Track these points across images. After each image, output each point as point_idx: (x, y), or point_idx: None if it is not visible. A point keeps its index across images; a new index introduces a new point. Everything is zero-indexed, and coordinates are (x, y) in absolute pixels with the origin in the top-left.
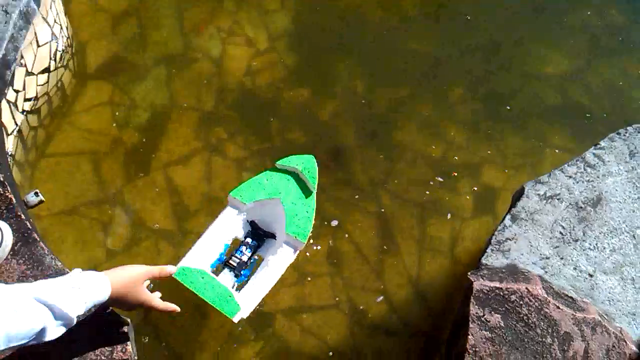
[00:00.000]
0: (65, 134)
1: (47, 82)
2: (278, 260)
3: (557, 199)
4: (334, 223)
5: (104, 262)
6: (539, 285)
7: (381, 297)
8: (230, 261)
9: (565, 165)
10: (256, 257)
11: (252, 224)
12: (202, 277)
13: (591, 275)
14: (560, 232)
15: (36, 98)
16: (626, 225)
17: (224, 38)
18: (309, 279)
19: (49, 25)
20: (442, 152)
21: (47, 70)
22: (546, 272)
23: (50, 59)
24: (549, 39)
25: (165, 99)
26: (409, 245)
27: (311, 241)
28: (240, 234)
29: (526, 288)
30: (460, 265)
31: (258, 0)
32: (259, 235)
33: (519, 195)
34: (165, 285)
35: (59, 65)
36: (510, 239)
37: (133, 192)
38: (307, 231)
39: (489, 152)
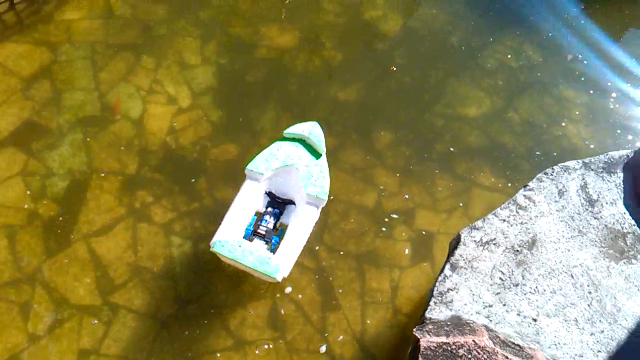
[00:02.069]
0: None
1: None
2: (304, 220)
3: (494, 244)
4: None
5: (26, 349)
6: (485, 335)
7: (325, 354)
8: (259, 230)
9: (498, 209)
10: (279, 225)
11: (270, 194)
12: (240, 246)
13: (535, 320)
14: (500, 278)
15: None
16: (563, 265)
17: (144, 97)
18: (256, 351)
19: None
20: (375, 200)
21: None
22: (491, 320)
23: None
24: (468, 78)
25: (84, 165)
26: (351, 299)
27: (250, 311)
28: (261, 206)
29: (473, 340)
30: (402, 316)
31: (178, 55)
32: (278, 204)
33: (455, 242)
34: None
35: None
36: (451, 289)
37: (53, 268)
38: (326, 188)
39: (420, 196)
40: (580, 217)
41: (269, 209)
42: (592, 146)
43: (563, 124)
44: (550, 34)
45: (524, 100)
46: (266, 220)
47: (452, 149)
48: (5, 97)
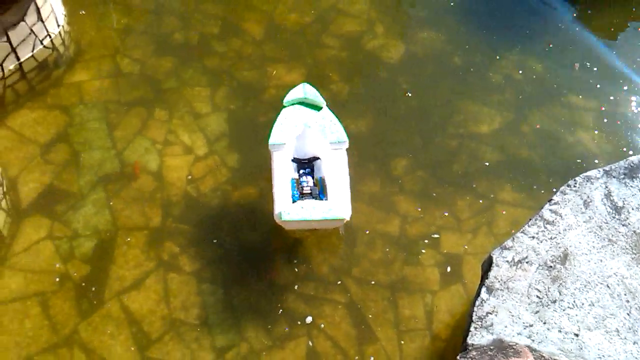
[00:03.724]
0: (7, 279)
1: None
2: (338, 163)
3: (527, 262)
4: (309, 320)
5: None
6: (530, 356)
7: None
8: (304, 191)
9: (526, 226)
10: (316, 181)
11: (295, 160)
12: (302, 207)
13: (577, 335)
14: (537, 296)
15: None
16: (598, 277)
17: (160, 149)
18: None
19: None
20: (399, 226)
21: None
22: (533, 340)
23: None
24: (476, 96)
25: (108, 223)
26: (386, 329)
27: (288, 352)
28: (292, 173)
29: None
30: (440, 342)
31: (189, 105)
32: (306, 165)
33: (488, 264)
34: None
35: None
36: (490, 313)
37: (89, 329)
38: (342, 131)
39: (443, 218)
40: (608, 225)
41: (301, 171)
42: (608, 151)
43: (576, 132)
44: (551, 45)
45: (534, 112)
46: (305, 181)
47: (468, 169)
48: (26, 163)
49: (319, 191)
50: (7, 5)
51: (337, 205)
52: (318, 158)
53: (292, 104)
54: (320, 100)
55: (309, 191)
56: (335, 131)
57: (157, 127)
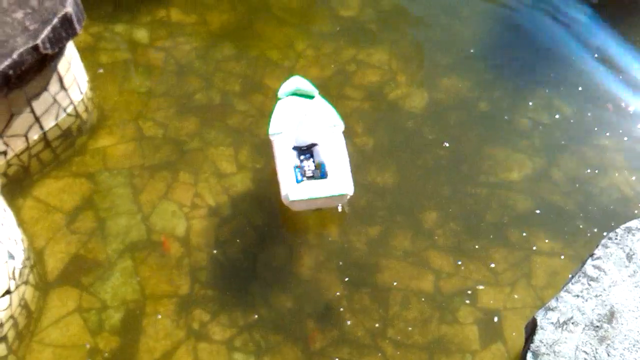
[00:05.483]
0: (36, 354)
1: (10, 304)
2: (335, 144)
3: (572, 323)
4: None
5: None
6: None
7: None
8: (307, 174)
9: (569, 284)
10: (317, 165)
11: (295, 149)
12: (307, 187)
13: None
14: (585, 358)
15: (1, 325)
16: None
17: (187, 213)
18: None
19: (3, 244)
20: (433, 283)
21: (8, 292)
22: None
23: (10, 278)
24: (504, 142)
25: (137, 293)
26: None
27: None
28: (294, 160)
29: None
30: None
31: (214, 166)
32: (305, 151)
33: (532, 327)
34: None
35: (19, 282)
36: None
37: None
38: (336, 115)
39: (479, 272)
40: None
41: (302, 157)
42: None
43: (609, 175)
44: (580, 89)
45: (565, 156)
46: (307, 166)
47: (501, 218)
48: (52, 234)
49: (321, 173)
50: (31, 77)
51: (340, 182)
52: (316, 144)
53: (287, 96)
54: (311, 89)
55: (311, 174)
56: (331, 116)
57: (183, 190)
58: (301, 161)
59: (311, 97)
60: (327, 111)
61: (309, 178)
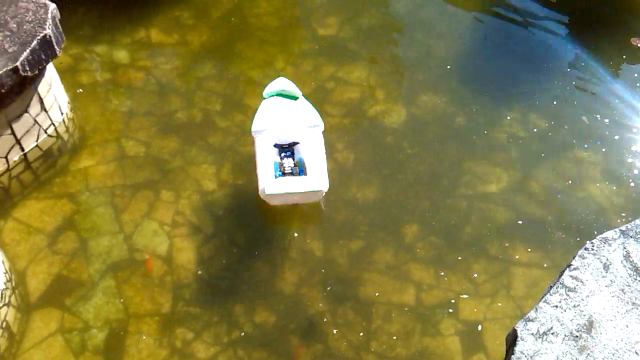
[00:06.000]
0: None
1: None
2: (314, 142)
3: (552, 334)
4: None
5: None
6: None
7: None
8: (286, 171)
9: (548, 295)
10: (296, 162)
11: (276, 146)
12: (284, 182)
13: None
14: None
15: None
16: (625, 343)
17: (169, 231)
18: None
19: None
20: (414, 296)
21: None
22: None
23: None
24: (482, 156)
25: (119, 312)
26: None
27: None
28: (275, 157)
29: None
30: None
31: (196, 184)
32: (286, 149)
33: (512, 338)
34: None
35: (1, 305)
36: None
37: None
38: (317, 115)
39: (459, 284)
40: (630, 288)
41: (282, 155)
42: (618, 204)
43: (585, 186)
44: (555, 102)
45: (541, 168)
46: (286, 162)
47: (480, 230)
48: (33, 255)
49: (299, 170)
50: (11, 99)
51: (316, 178)
52: (297, 143)
53: (271, 96)
54: (296, 90)
55: (290, 171)
56: (312, 116)
57: (165, 209)
58: (282, 158)
59: (295, 98)
60: (309, 112)
61: (287, 174)
